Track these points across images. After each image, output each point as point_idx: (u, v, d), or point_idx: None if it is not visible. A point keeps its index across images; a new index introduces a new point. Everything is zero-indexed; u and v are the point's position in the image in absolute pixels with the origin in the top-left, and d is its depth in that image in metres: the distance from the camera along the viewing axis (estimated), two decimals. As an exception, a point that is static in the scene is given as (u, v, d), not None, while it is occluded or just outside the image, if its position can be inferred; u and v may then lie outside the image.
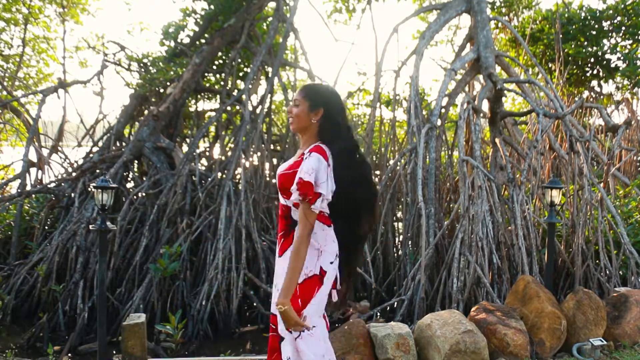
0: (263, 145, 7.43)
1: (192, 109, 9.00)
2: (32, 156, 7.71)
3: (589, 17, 9.62)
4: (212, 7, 7.79)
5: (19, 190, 7.27)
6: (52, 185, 7.31)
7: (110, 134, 7.90)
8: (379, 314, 5.85)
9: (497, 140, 6.46)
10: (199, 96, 9.02)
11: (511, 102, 11.58)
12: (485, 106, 6.86)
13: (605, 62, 9.96)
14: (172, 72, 7.30)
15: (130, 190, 7.17)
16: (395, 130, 8.13)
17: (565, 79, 9.50)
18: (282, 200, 2.37)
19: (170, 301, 5.93)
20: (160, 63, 7.55)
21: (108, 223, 4.11)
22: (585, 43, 9.75)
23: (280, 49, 7.74)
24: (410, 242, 6.42)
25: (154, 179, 6.92)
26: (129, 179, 7.76)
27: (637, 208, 6.76)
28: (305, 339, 2.22)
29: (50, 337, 5.54)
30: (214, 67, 8.60)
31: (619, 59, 9.77)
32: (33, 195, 7.35)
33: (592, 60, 10.00)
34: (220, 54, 8.34)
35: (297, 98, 2.39)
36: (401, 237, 7.20)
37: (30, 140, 7.59)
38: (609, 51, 9.81)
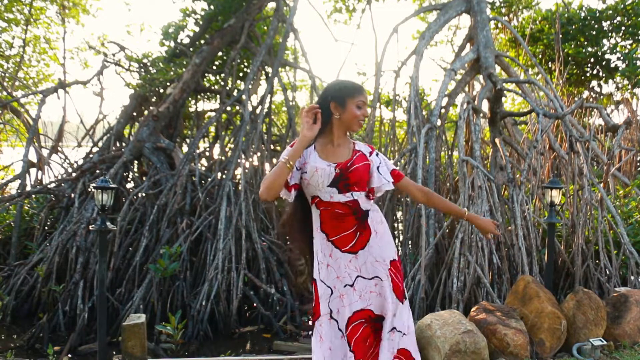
0: (263, 146, 7.43)
1: (192, 109, 9.00)
2: (32, 156, 7.72)
3: (588, 17, 9.62)
4: (212, 7, 7.79)
5: (18, 191, 7.27)
6: (52, 185, 7.32)
7: (110, 134, 7.91)
8: (379, 314, 5.84)
9: (497, 140, 6.46)
10: (199, 96, 9.03)
11: (511, 102, 11.58)
12: (485, 106, 6.86)
13: (605, 62, 9.95)
14: (172, 73, 7.30)
15: (130, 190, 7.17)
16: (395, 131, 8.13)
17: (565, 79, 9.50)
18: (344, 198, 2.41)
19: (170, 301, 5.93)
20: (160, 63, 7.55)
21: (108, 223, 4.11)
22: (585, 43, 9.75)
23: (280, 49, 7.74)
24: (410, 242, 6.42)
25: (154, 179, 6.92)
26: (129, 179, 7.76)
27: (637, 208, 6.76)
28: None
29: (50, 337, 5.54)
30: (214, 68, 8.60)
31: (618, 59, 9.77)
32: (33, 196, 7.35)
33: (592, 60, 9.99)
34: (220, 54, 8.35)
35: (366, 100, 2.47)
36: (401, 237, 7.19)
37: (30, 141, 7.59)
38: (608, 51, 9.80)
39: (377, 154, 2.56)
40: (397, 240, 7.56)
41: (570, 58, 9.74)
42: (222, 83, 8.26)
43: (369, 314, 2.43)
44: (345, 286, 2.41)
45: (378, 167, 2.52)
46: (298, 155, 2.32)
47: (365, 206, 2.45)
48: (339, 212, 2.41)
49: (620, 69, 9.53)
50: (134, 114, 8.21)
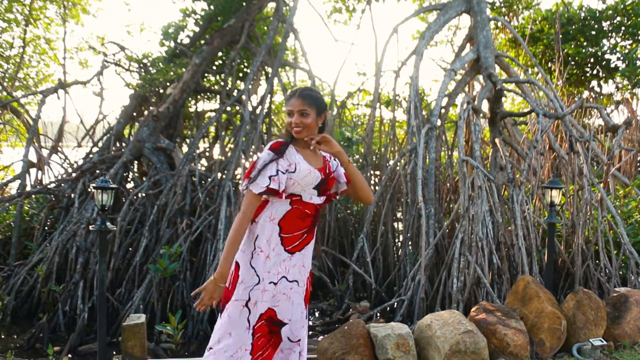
0: (263, 146, 7.42)
1: (192, 110, 9.00)
2: (32, 157, 7.71)
3: (588, 18, 9.62)
4: (212, 7, 7.79)
5: (18, 191, 7.27)
6: (52, 185, 7.31)
7: (110, 134, 7.91)
8: (379, 314, 5.85)
9: (497, 140, 6.46)
10: (198, 96, 9.02)
11: (511, 102, 11.58)
12: (485, 106, 6.86)
13: (605, 62, 9.95)
14: (172, 73, 7.30)
15: (130, 190, 7.17)
16: (395, 131, 8.13)
17: (565, 79, 9.50)
18: (318, 200, 2.51)
19: (170, 301, 5.93)
20: (160, 63, 7.55)
21: (108, 223, 4.11)
22: (585, 43, 9.75)
23: (280, 50, 7.74)
24: (410, 242, 6.42)
25: (154, 179, 6.92)
26: (129, 179, 7.76)
27: (637, 208, 6.76)
28: None
29: (50, 337, 5.54)
30: (214, 68, 8.60)
31: (618, 59, 9.77)
32: (33, 196, 7.35)
33: (592, 60, 9.99)
34: (220, 54, 8.35)
35: (304, 108, 2.43)
36: (401, 237, 7.19)
37: (30, 141, 7.59)
38: (608, 51, 9.81)
39: (334, 159, 2.64)
40: (397, 240, 7.56)
41: (570, 58, 9.74)
42: (222, 83, 8.26)
43: (271, 314, 2.44)
44: (270, 283, 2.42)
45: (334, 171, 2.62)
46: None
47: (320, 211, 2.57)
48: (307, 212, 2.48)
49: (620, 69, 9.53)
50: (134, 114, 8.21)
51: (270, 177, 2.35)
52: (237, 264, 2.43)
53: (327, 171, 2.54)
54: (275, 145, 2.45)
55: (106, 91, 9.50)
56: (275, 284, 2.42)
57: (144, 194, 6.84)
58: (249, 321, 2.39)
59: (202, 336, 5.63)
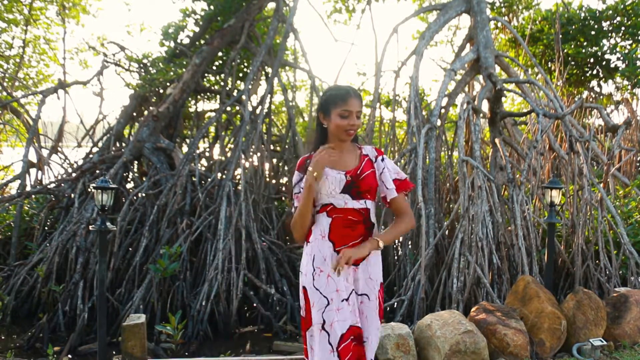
0: (263, 146, 7.43)
1: (192, 110, 9.01)
2: (32, 157, 7.72)
3: (588, 18, 9.62)
4: (211, 7, 7.79)
5: (18, 191, 7.27)
6: (52, 185, 7.32)
7: (110, 134, 7.91)
8: (379, 314, 5.84)
9: (497, 140, 6.46)
10: (198, 97, 9.03)
11: (511, 102, 11.58)
12: (485, 106, 6.86)
13: (604, 62, 9.96)
14: (172, 73, 7.30)
15: (130, 190, 7.17)
16: (395, 131, 8.13)
17: (565, 79, 9.51)
18: (358, 204, 2.37)
19: (170, 302, 5.93)
20: (160, 63, 7.55)
21: (108, 223, 4.11)
22: (585, 43, 9.75)
23: (280, 50, 7.74)
24: (410, 243, 6.42)
25: (154, 179, 6.92)
26: (129, 179, 7.76)
27: (637, 208, 6.76)
28: None
29: (50, 337, 5.54)
30: (214, 68, 8.60)
31: (618, 59, 9.78)
32: (33, 196, 7.35)
33: (592, 60, 10.00)
34: (220, 54, 8.35)
35: (360, 109, 2.38)
36: (401, 237, 7.19)
37: (30, 141, 7.59)
38: (608, 51, 9.81)
39: (382, 159, 2.48)
40: (396, 241, 7.56)
41: (570, 58, 9.75)
42: (222, 83, 8.26)
43: (359, 332, 2.35)
44: (342, 300, 2.32)
45: (381, 174, 2.45)
46: (310, 199, 2.33)
47: (372, 218, 2.42)
48: (352, 219, 2.36)
49: (620, 69, 9.53)
50: (134, 114, 8.21)
51: (295, 195, 2.43)
52: (305, 288, 2.38)
53: (359, 172, 2.39)
54: (300, 163, 2.46)
55: (106, 91, 9.52)
56: (347, 299, 2.33)
57: (144, 194, 6.85)
58: (330, 344, 2.30)
59: (202, 336, 5.62)
